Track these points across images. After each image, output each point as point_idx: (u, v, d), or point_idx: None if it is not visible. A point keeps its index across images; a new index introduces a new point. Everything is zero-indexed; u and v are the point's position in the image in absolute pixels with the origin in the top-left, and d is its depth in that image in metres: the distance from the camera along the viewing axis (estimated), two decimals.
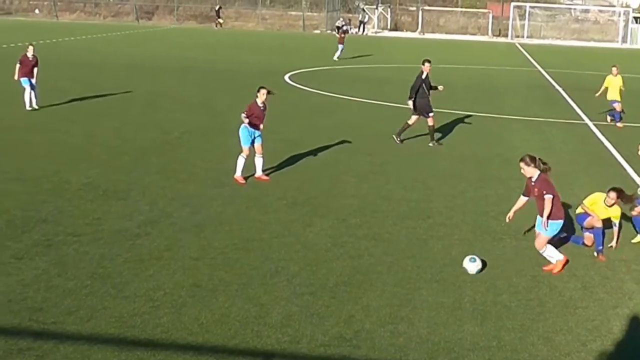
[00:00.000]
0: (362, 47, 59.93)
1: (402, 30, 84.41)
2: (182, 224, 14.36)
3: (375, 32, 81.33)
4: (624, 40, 79.93)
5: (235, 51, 52.67)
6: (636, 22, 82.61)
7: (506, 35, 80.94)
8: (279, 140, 22.33)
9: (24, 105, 25.86)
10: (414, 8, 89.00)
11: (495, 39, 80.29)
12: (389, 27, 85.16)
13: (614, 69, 27.82)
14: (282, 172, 18.74)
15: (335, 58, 48.22)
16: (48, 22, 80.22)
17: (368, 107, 29.81)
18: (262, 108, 17.70)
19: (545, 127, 26.69)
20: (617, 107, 27.18)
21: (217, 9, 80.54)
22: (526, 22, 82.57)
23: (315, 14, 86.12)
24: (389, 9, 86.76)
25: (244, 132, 17.54)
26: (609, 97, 27.48)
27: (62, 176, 17.45)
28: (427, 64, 22.60)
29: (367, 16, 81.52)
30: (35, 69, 26.46)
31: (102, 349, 9.39)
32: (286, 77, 38.04)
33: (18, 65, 26.35)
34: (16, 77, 26.40)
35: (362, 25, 79.72)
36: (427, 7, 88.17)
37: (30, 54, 26.55)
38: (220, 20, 79.69)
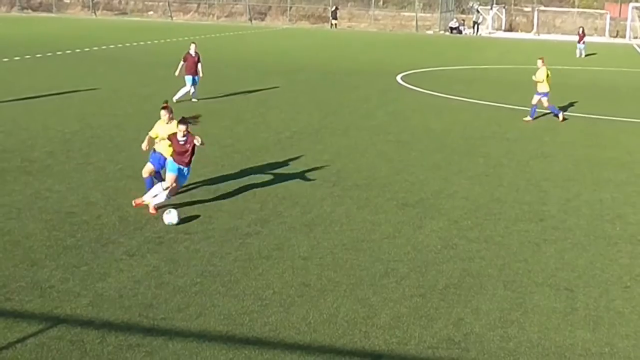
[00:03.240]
0: (476, 48, 59.29)
1: (516, 31, 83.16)
2: (292, 223, 14.41)
3: (489, 33, 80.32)
4: None
5: (347, 52, 52.73)
6: None
7: (624, 36, 78.85)
8: (390, 141, 22.27)
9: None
10: (529, 8, 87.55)
11: (612, 40, 78.30)
12: (503, 27, 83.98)
13: (539, 61, 26.80)
14: (393, 173, 18.63)
15: None
16: (163, 22, 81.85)
17: (481, 109, 29.41)
18: (181, 143, 14.71)
19: None
20: (544, 101, 26.35)
21: (333, 9, 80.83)
22: None
23: (428, 14, 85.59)
24: (503, 10, 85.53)
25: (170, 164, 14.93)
26: (539, 89, 26.50)
27: None
28: None
29: (481, 17, 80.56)
30: (199, 65, 28.00)
31: (211, 346, 9.47)
32: (398, 78, 37.87)
33: (182, 63, 27.59)
34: (177, 74, 28.06)
35: (475, 26, 78.86)
36: (542, 8, 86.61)
37: (192, 51, 27.67)
38: (335, 22, 79.95)
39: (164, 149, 15.07)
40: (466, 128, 24.87)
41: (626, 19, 79.96)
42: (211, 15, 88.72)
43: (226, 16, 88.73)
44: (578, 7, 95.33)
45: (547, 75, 26.42)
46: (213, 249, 12.93)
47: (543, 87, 26.45)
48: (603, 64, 50.56)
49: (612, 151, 22.11)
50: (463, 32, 78.48)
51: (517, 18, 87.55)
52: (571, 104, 30.52)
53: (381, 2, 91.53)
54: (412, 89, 34.39)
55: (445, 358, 9.43)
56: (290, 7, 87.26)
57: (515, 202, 16.44)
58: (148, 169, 15.46)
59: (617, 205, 16.42)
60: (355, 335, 9.90)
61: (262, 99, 29.68)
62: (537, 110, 26.55)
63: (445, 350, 9.61)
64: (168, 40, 56.78)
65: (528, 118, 26.54)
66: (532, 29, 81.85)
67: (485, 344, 9.81)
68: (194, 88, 28.16)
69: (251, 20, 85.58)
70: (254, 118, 25.61)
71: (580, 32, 59.09)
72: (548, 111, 27.09)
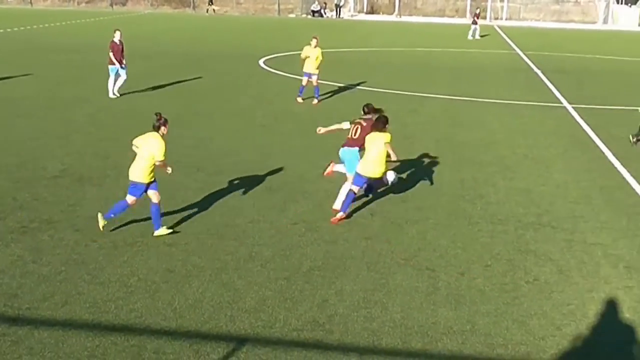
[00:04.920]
0: (337, 30, 59.72)
1: (378, 14, 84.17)
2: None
3: (352, 16, 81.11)
4: (605, 22, 79.99)
5: (209, 36, 52.35)
6: (618, 3, 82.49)
7: (485, 18, 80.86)
8: (254, 125, 22.30)
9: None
10: None
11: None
12: (365, 10, 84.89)
13: (313, 40, 26.78)
14: (258, 158, 18.62)
15: None
16: (22, 8, 79.48)
17: (342, 92, 29.66)
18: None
19: (524, 111, 26.65)
20: (314, 80, 26.54)
21: None
22: (505, 3, 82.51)
23: None
24: None
25: None
26: (305, 68, 26.72)
27: (37, 163, 17.31)
28: None
29: (342, 0, 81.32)
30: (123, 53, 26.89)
31: (77, 334, 9.34)
32: (261, 62, 37.84)
33: (111, 53, 26.55)
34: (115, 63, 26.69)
35: (337, 9, 79.51)
36: None
37: (117, 39, 26.74)
38: (215, 7, 79.03)
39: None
40: (328, 111, 25.05)
41: (487, 0, 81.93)
42: (72, 1, 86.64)
43: (87, 2, 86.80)
44: None
45: (317, 58, 26.49)
46: (77, 237, 12.69)
47: (310, 67, 26.52)
48: (468, 46, 51.71)
49: (475, 132, 22.64)
50: (325, 15, 78.97)
51: (379, 0, 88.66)
52: (435, 86, 31.14)
53: None
54: (274, 72, 34.43)
55: (310, 340, 9.50)
56: None
57: None
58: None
59: (478, 185, 16.83)
60: (221, 320, 9.88)
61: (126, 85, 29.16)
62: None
63: (310, 332, 9.69)
64: (28, 27, 55.23)
65: (300, 99, 26.85)
66: (394, 11, 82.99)
67: (349, 324, 9.92)
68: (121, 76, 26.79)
69: (112, 6, 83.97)
70: (121, 104, 25.18)
71: (476, 13, 60.64)
72: (406, 93, 27.53)
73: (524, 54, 47.00)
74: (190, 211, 14.31)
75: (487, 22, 78.58)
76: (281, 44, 46.91)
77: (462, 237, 13.45)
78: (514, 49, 50.48)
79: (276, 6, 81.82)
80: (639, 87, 33.51)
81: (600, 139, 21.83)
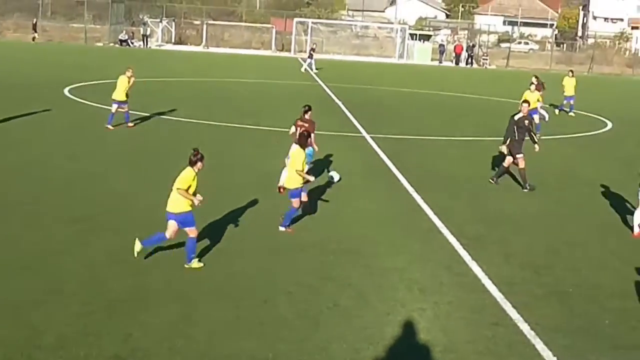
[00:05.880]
0: (145, 60, 59.26)
1: (186, 44, 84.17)
2: None
3: (159, 46, 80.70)
4: (401, 56, 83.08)
5: (12, 65, 50.76)
6: (412, 39, 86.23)
7: (289, 50, 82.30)
8: (62, 155, 21.84)
9: None
10: (199, 22, 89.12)
11: (278, 54, 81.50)
12: (173, 40, 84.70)
13: (129, 70, 27.53)
14: (64, 188, 18.23)
15: None
16: None
17: (148, 119, 29.48)
18: None
19: (326, 140, 27.23)
20: (125, 107, 27.17)
21: (34, 22, 77.27)
22: (309, 37, 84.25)
23: (98, 26, 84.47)
24: (173, 23, 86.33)
25: None
26: (115, 96, 27.18)
27: None
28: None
29: (149, 29, 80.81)
30: None
31: None
32: (66, 91, 37.05)
33: None
34: None
35: (145, 39, 79.03)
36: (211, 22, 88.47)
37: None
38: (36, 35, 76.42)
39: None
40: (140, 138, 24.84)
41: (291, 33, 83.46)
42: None
43: None
44: (246, 22, 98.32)
45: (130, 86, 27.20)
46: None
47: (121, 96, 26.98)
48: (270, 77, 52.41)
49: (275, 160, 22.95)
50: (132, 45, 78.32)
51: (187, 31, 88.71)
52: (239, 116, 31.43)
53: (49, 13, 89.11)
54: (80, 101, 33.77)
55: None
56: None
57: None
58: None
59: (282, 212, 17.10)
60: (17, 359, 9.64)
61: None
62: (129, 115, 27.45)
63: None
64: None
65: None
66: (202, 42, 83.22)
67: (153, 358, 9.91)
68: None
69: None
70: None
71: (312, 48, 62.42)
72: (216, 123, 27.64)
73: (326, 85, 48.11)
74: None
75: (291, 54, 79.99)
76: (88, 72, 46.03)
77: (266, 265, 13.66)
78: (317, 81, 51.60)
79: (83, 34, 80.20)
80: (430, 117, 35.04)
81: (396, 167, 22.68)
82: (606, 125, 36.01)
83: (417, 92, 48.40)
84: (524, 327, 11.55)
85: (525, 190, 20.89)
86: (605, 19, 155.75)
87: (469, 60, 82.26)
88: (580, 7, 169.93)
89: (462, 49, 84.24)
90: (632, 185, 21.88)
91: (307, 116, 19.04)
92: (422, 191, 19.82)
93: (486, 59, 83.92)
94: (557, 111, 39.05)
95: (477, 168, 23.56)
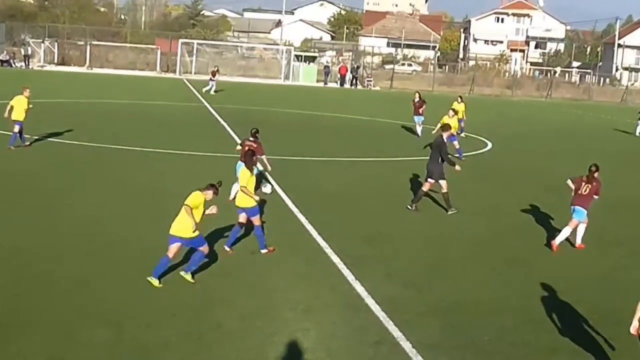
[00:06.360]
0: (26, 80, 58.04)
1: (70, 65, 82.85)
2: None
3: (41, 66, 79.22)
4: (287, 77, 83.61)
5: None
6: (298, 60, 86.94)
7: (174, 71, 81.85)
8: None
9: None
10: (82, 42, 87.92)
11: (163, 75, 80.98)
12: (56, 60, 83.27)
13: (26, 90, 27.70)
14: None
15: None
16: None
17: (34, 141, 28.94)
18: None
19: (212, 161, 27.26)
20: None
21: None
22: (194, 58, 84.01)
23: None
24: (56, 43, 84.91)
25: None
26: (15, 117, 27.20)
27: None
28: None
29: (30, 49, 79.28)
30: None
31: None
32: None
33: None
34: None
35: (27, 59, 77.51)
36: (95, 42, 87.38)
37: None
38: None
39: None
40: (17, 161, 24.37)
41: (177, 54, 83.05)
42: None
43: None
44: (130, 43, 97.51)
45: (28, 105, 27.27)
46: None
47: (20, 116, 26.95)
48: (154, 98, 51.96)
49: (167, 183, 22.83)
50: (14, 65, 76.74)
51: (71, 52, 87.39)
52: (127, 136, 31.09)
53: None
54: None
55: None
56: None
57: (68, 233, 16.38)
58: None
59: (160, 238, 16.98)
60: None
61: None
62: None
63: None
64: None
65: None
66: (85, 62, 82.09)
67: None
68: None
69: None
70: None
71: (213, 70, 62.64)
72: (102, 145, 27.26)
73: (212, 106, 47.99)
74: None
75: (176, 75, 79.56)
76: None
77: (149, 288, 13.52)
78: (202, 102, 51.45)
79: None
80: (315, 138, 35.33)
81: (281, 188, 22.76)
82: (487, 145, 36.94)
83: (301, 113, 48.71)
84: (406, 346, 11.73)
85: (450, 212, 21.02)
86: (486, 41, 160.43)
87: (354, 81, 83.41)
88: (462, 30, 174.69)
89: (346, 70, 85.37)
90: (509, 204, 22.61)
91: (255, 137, 20.93)
92: (306, 212, 19.96)
93: (370, 80, 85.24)
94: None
95: (360, 188, 23.86)
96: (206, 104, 50.06)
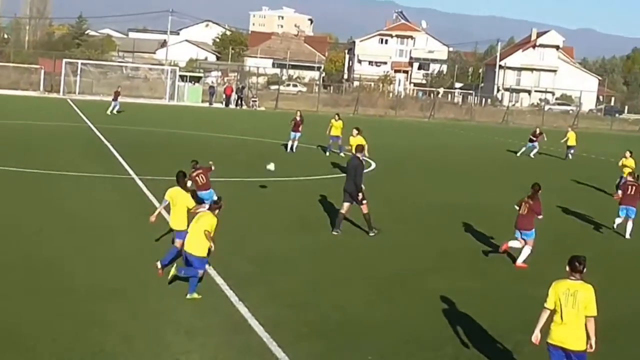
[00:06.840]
0: None
1: None
2: None
3: None
4: (172, 97, 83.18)
5: None
6: (183, 80, 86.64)
7: (58, 91, 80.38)
8: None
9: None
10: None
11: (47, 95, 79.47)
12: None
13: None
14: None
15: None
16: None
17: None
18: None
19: (96, 183, 26.92)
20: None
21: None
22: (78, 78, 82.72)
23: None
24: None
25: None
26: None
27: None
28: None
29: None
30: None
31: None
32: None
33: None
34: None
35: None
36: None
37: None
38: None
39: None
40: None
41: (61, 74, 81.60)
42: None
43: None
44: (14, 62, 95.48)
45: None
46: None
47: None
48: (37, 118, 50.98)
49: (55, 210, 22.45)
50: None
51: None
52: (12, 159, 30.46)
53: None
54: None
55: None
56: None
57: None
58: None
59: (59, 260, 16.69)
60: None
61: None
62: None
63: None
64: None
65: None
66: None
67: None
68: None
69: None
70: None
71: (116, 91, 62.10)
72: None
73: (95, 127, 47.34)
74: None
75: (60, 95, 78.16)
76: None
77: (27, 311, 13.23)
78: (86, 122, 50.72)
79: None
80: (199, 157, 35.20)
81: (166, 210, 22.52)
82: (370, 165, 37.43)
83: (187, 133, 48.51)
84: None
85: (372, 234, 21.17)
86: (370, 62, 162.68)
87: (239, 101, 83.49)
88: (347, 51, 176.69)
89: (232, 90, 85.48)
90: (393, 224, 22.97)
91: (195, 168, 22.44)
92: None
93: (255, 101, 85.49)
94: (327, 153, 40.62)
95: (244, 208, 23.84)
96: (90, 123, 49.35)
